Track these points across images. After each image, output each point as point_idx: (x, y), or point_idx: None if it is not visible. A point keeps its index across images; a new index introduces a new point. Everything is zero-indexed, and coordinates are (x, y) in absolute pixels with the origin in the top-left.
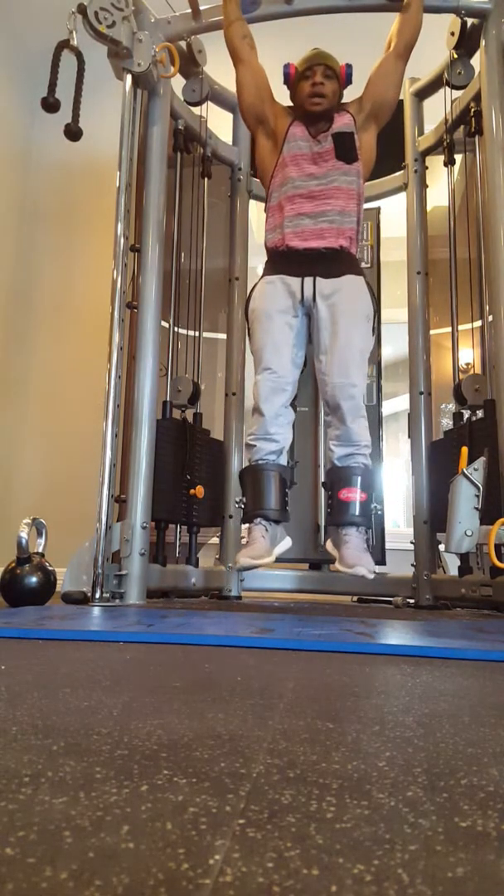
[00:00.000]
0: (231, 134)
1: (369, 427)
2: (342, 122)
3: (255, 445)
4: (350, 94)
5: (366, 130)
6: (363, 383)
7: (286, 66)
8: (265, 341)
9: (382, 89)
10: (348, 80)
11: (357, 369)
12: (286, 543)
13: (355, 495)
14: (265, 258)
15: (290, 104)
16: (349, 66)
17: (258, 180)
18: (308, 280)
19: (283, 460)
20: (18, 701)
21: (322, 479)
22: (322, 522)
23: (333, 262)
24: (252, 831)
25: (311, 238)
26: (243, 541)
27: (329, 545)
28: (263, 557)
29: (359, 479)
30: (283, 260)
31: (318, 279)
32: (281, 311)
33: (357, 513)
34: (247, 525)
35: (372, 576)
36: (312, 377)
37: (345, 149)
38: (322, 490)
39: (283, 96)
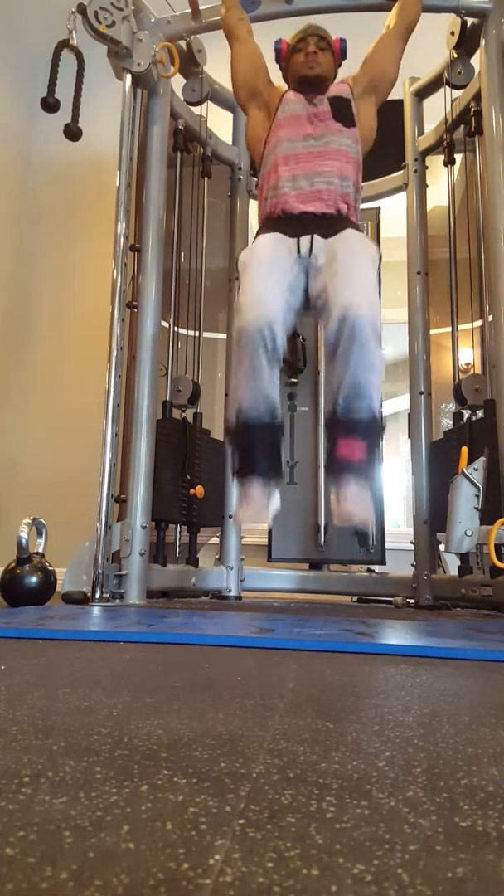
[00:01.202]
0: (231, 134)
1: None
2: (338, 89)
3: (242, 399)
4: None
5: (364, 102)
6: (377, 314)
7: (278, 42)
8: (255, 280)
9: (382, 63)
10: (343, 55)
11: (368, 294)
12: (276, 501)
13: (358, 450)
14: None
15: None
16: (343, 41)
17: (258, 180)
18: (305, 238)
19: (277, 414)
20: (18, 701)
21: (322, 479)
22: (322, 522)
23: (333, 223)
24: (252, 831)
25: (309, 200)
26: (238, 497)
27: (333, 500)
28: (263, 512)
29: (364, 434)
30: (278, 223)
31: (315, 237)
32: (277, 258)
33: (358, 467)
34: (238, 482)
35: (367, 528)
36: (313, 377)
37: (342, 112)
38: (322, 490)
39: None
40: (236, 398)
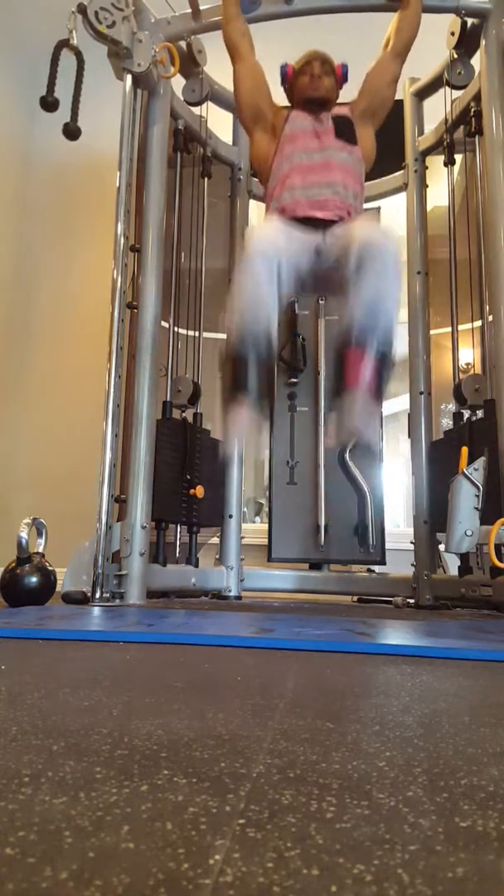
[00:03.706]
0: (231, 134)
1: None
2: (340, 111)
3: (237, 328)
4: (347, 96)
5: (363, 125)
6: (396, 250)
7: (283, 67)
8: (267, 230)
9: (378, 87)
10: (344, 79)
11: (390, 237)
12: (265, 430)
13: (370, 373)
14: None
15: (288, 105)
16: (345, 66)
17: (258, 180)
18: (316, 233)
19: (273, 348)
20: (18, 701)
21: (322, 479)
22: (322, 522)
23: (340, 223)
24: (252, 831)
25: (315, 208)
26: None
27: (336, 420)
28: (253, 425)
29: (377, 353)
30: (289, 221)
31: (327, 231)
32: (284, 236)
33: (368, 388)
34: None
35: (373, 443)
36: (313, 377)
37: (345, 131)
38: (322, 490)
39: (280, 99)
40: (234, 323)
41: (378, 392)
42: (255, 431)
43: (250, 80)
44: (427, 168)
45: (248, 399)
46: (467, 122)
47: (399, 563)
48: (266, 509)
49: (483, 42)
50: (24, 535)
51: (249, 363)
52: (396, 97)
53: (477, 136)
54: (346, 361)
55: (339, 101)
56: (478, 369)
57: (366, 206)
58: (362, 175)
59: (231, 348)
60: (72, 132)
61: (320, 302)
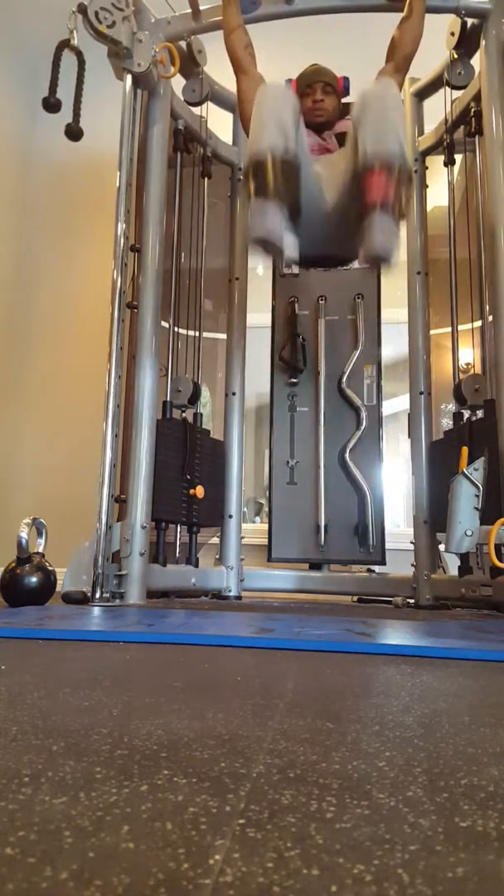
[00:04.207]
0: (231, 134)
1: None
2: (344, 126)
3: (261, 139)
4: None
5: None
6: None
7: (287, 82)
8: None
9: None
10: (346, 91)
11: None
12: (291, 241)
13: (389, 188)
14: (264, 263)
15: None
16: (346, 79)
17: None
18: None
19: (292, 146)
20: (18, 701)
21: (322, 479)
22: (322, 522)
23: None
24: (252, 831)
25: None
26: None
27: (361, 237)
28: (280, 232)
29: (393, 166)
30: None
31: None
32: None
33: (389, 205)
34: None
35: (392, 260)
36: (313, 377)
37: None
38: (322, 490)
39: None
40: (253, 139)
41: (398, 209)
42: (279, 233)
43: (254, 94)
44: (427, 168)
45: (271, 204)
46: (467, 122)
47: (399, 563)
48: (266, 509)
49: (483, 42)
50: (24, 535)
51: (270, 171)
52: None
53: (477, 136)
54: (365, 184)
55: (343, 104)
56: (478, 369)
57: None
58: None
59: (251, 158)
60: (74, 133)
61: (320, 302)
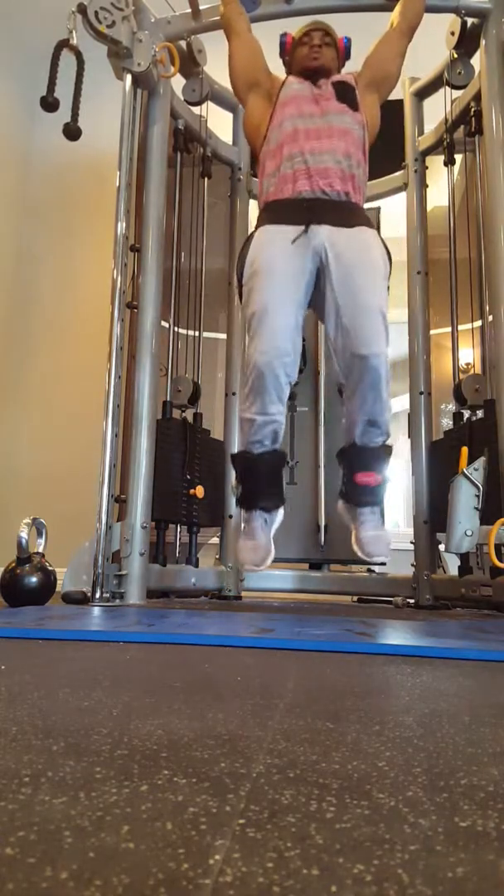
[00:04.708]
0: (231, 134)
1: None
2: (342, 77)
3: (252, 424)
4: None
5: (367, 93)
6: (386, 351)
7: (282, 36)
8: (268, 300)
9: (384, 60)
10: (347, 54)
11: (380, 336)
12: (279, 518)
13: (374, 479)
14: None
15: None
16: (348, 40)
17: (258, 180)
18: (315, 228)
19: (280, 439)
20: (18, 701)
21: (322, 479)
22: (322, 522)
23: (343, 212)
24: (252, 831)
25: (316, 176)
26: (243, 527)
27: (340, 507)
28: (265, 560)
29: (379, 461)
30: (282, 209)
31: (327, 227)
32: (288, 262)
33: (375, 496)
34: (243, 512)
35: (387, 559)
36: (313, 377)
37: (346, 95)
38: (322, 490)
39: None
40: (244, 427)
41: (382, 491)
42: (268, 549)
43: (246, 52)
44: (427, 168)
45: (263, 513)
46: (467, 122)
47: (399, 563)
48: None
49: (483, 42)
50: (24, 535)
51: (259, 469)
52: (396, 97)
53: (477, 136)
54: (352, 468)
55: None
56: (478, 369)
57: (366, 206)
58: (365, 143)
59: (247, 457)
60: (72, 132)
61: None
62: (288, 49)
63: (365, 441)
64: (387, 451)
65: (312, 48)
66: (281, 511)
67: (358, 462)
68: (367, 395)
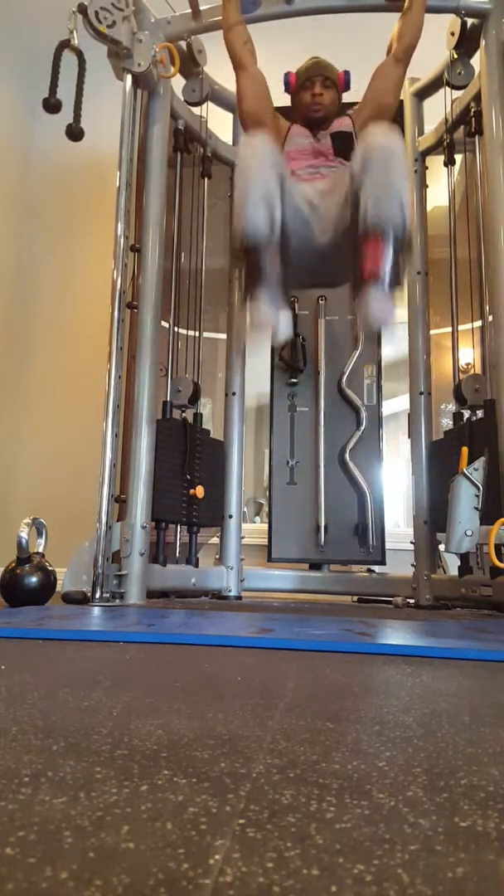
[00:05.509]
0: (231, 134)
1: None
2: (341, 124)
3: (246, 211)
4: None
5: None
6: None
7: (286, 76)
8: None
9: (380, 93)
10: (346, 86)
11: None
12: (287, 316)
13: (387, 260)
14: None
15: (289, 110)
16: (347, 73)
17: None
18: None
19: (277, 224)
20: (18, 701)
21: (322, 479)
22: (322, 522)
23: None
24: (252, 831)
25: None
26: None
27: (357, 306)
28: (277, 318)
29: (394, 236)
30: None
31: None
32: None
33: (386, 277)
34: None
35: (391, 324)
36: (313, 377)
37: (343, 146)
38: (322, 490)
39: (281, 101)
40: (239, 216)
41: (395, 279)
42: (276, 320)
43: (253, 94)
44: (427, 168)
45: (265, 293)
46: (467, 122)
47: (399, 563)
48: (266, 509)
49: (483, 42)
50: (24, 535)
51: (259, 256)
52: None
53: (477, 136)
54: (363, 251)
55: (343, 102)
56: (478, 369)
57: None
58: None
59: (239, 241)
60: (75, 133)
61: (320, 302)
62: (292, 87)
63: (378, 214)
64: (404, 233)
65: (314, 97)
66: (286, 311)
67: (370, 239)
68: (381, 164)
